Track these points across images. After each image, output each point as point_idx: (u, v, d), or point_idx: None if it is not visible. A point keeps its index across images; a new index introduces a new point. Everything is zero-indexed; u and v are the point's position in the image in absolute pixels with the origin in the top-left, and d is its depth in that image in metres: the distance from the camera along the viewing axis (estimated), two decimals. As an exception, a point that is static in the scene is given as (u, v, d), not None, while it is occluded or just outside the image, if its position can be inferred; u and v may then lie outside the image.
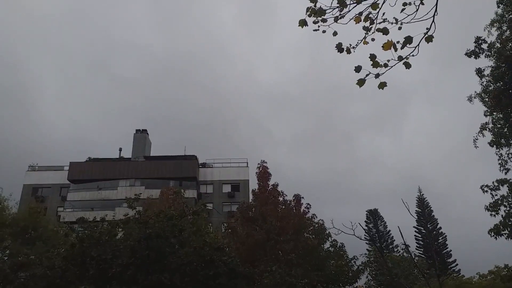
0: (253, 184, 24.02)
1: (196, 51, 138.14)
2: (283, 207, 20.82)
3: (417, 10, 4.55)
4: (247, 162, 50.11)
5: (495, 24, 14.04)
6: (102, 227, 13.59)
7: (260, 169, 22.15)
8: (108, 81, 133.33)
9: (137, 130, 55.20)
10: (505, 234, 15.33)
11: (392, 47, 4.77)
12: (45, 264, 12.90)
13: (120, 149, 54.50)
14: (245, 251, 18.21)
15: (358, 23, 5.15)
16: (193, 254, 13.17)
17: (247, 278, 14.54)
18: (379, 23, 5.07)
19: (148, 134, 55.71)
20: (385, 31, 4.90)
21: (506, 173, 15.65)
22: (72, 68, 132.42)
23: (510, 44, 13.10)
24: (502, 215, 15.58)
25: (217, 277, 12.77)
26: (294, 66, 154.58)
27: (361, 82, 5.02)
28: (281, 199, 21.10)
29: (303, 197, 21.18)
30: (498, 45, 13.44)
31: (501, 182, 15.92)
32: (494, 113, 14.75)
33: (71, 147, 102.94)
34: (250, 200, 23.19)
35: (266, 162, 22.45)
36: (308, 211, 20.75)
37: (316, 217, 20.60)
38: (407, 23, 4.73)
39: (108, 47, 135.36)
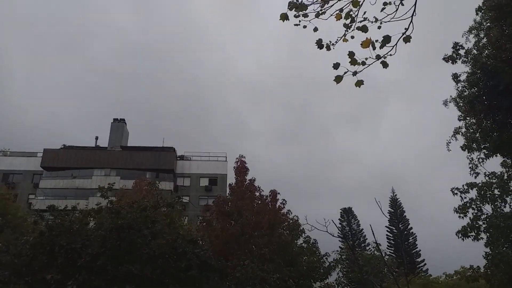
0: (231, 178, 23.98)
1: (174, 36, 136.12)
2: (259, 202, 20.89)
3: (396, 10, 4.59)
4: (226, 157, 50.06)
5: (473, 31, 14.40)
6: (73, 216, 13.29)
7: (238, 164, 22.15)
8: (80, 64, 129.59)
9: (114, 119, 54.20)
10: (471, 236, 15.85)
11: (370, 45, 4.81)
12: (12, 252, 12.52)
13: (97, 138, 53.49)
14: (219, 244, 18.21)
15: (339, 20, 5.17)
16: (166, 246, 13.04)
17: (219, 271, 14.53)
18: (359, 21, 5.11)
19: (126, 123, 54.76)
20: (364, 29, 4.94)
21: (475, 177, 16.15)
22: (43, 48, 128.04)
23: (486, 52, 13.46)
24: (470, 218, 16.10)
25: (189, 269, 12.70)
26: (273, 57, 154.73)
27: (338, 79, 5.05)
28: (257, 194, 21.17)
29: (279, 193, 21.33)
30: (475, 51, 13.80)
31: (471, 185, 16.42)
32: (468, 118, 15.17)
33: (44, 133, 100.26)
34: (227, 194, 23.17)
35: (244, 157, 22.48)
36: (284, 207, 20.90)
37: (291, 213, 20.78)
38: (386, 22, 4.78)
39: (80, 28, 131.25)
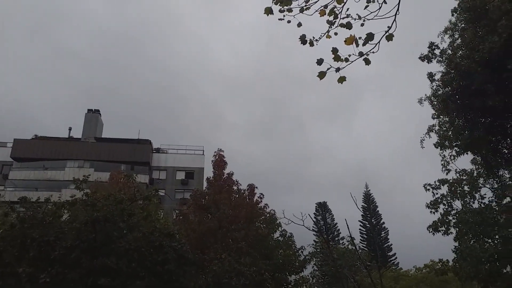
0: (208, 172, 23.89)
1: (148, 24, 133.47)
2: (237, 196, 20.92)
3: (380, 8, 4.67)
4: (203, 150, 49.75)
5: (448, 32, 14.81)
6: (46, 208, 12.95)
7: (216, 158, 22.08)
8: (51, 51, 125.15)
9: (89, 110, 52.92)
10: (442, 230, 16.41)
11: (354, 43, 4.88)
12: (-20, 245, 12.11)
13: (70, 129, 52.08)
14: (196, 238, 18.16)
15: (323, 16, 5.22)
16: (142, 239, 12.91)
17: (196, 264, 14.52)
18: (343, 18, 5.16)
19: (100, 114, 53.55)
20: (348, 26, 5.00)
21: (447, 174, 16.71)
22: (10, 32, 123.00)
23: (461, 52, 13.87)
24: (440, 213, 16.66)
25: (166, 263, 12.63)
26: (249, 49, 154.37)
27: (321, 75, 5.10)
28: (235, 188, 21.19)
29: (257, 187, 21.42)
30: (450, 51, 14.21)
31: (442, 181, 16.99)
32: (441, 117, 15.65)
33: (13, 122, 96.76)
34: (204, 188, 23.08)
35: (223, 151, 22.42)
36: (261, 201, 21.02)
37: (268, 207, 20.92)
38: (370, 20, 4.85)
39: (50, 13, 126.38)
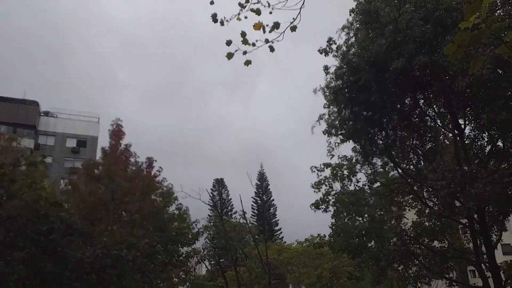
0: (104, 142, 22.76)
1: None
2: (134, 168, 20.42)
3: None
4: (99, 118, 46.62)
5: (345, 30, 16.22)
6: None
7: (114, 127, 21.07)
8: None
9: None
10: (322, 208, 18.36)
11: (261, 29, 5.27)
12: None
13: None
14: (86, 209, 17.40)
15: (236, -3, 5.50)
16: (25, 208, 12.05)
17: (85, 235, 14.06)
18: (254, 3, 5.51)
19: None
20: (258, 12, 5.35)
21: (331, 158, 18.61)
22: None
23: (353, 50, 15.36)
24: (322, 193, 18.58)
25: (51, 233, 12.02)
26: (149, 7, 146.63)
27: (229, 56, 5.41)
28: (132, 160, 20.63)
29: (155, 160, 21.15)
30: (344, 48, 15.64)
31: (326, 165, 18.92)
32: (331, 107, 17.24)
33: None
34: (98, 158, 22.00)
35: (121, 120, 21.46)
36: (159, 174, 20.86)
37: (166, 180, 20.88)
38: (278, 9, 5.27)
39: None
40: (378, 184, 18.75)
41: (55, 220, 12.39)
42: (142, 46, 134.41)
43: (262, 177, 64.69)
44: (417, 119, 16.60)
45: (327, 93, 16.57)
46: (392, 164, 18.09)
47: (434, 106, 17.11)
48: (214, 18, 5.68)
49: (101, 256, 13.84)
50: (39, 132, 43.07)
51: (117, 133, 20.77)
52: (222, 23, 5.70)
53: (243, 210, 15.00)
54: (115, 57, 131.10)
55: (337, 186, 18.67)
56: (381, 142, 16.93)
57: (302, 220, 71.83)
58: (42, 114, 44.51)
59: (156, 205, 18.99)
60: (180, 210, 20.23)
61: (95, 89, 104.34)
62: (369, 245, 17.34)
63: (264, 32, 5.42)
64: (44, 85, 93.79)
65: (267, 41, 5.44)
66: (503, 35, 3.96)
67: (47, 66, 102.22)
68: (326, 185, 18.58)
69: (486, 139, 15.88)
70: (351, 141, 17.12)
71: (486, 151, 15.76)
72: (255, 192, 62.71)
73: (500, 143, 14.84)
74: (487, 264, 15.43)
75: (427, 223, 17.77)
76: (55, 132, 43.75)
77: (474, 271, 28.13)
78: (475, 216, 15.04)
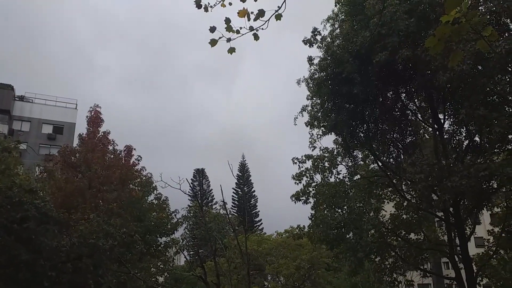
0: (81, 129, 22.20)
1: None
2: (112, 156, 20.02)
3: (273, -12, 4.98)
4: (77, 104, 45.44)
5: (330, 21, 16.15)
6: None
7: (92, 113, 20.57)
8: None
9: None
10: (302, 199, 18.41)
11: (246, 16, 5.13)
12: None
13: None
14: (62, 197, 17.01)
15: (221, -17, 5.32)
16: (-3, 195, 11.65)
17: (60, 224, 13.75)
18: (239, -11, 5.35)
19: None
20: (243, -1, 5.21)
21: (313, 150, 18.62)
22: None
23: (338, 41, 15.31)
24: (303, 184, 18.61)
25: (25, 221, 11.67)
26: None
27: (213, 42, 5.25)
28: (110, 148, 20.21)
29: (135, 149, 20.80)
30: (329, 39, 15.56)
31: (308, 157, 18.92)
32: (314, 98, 17.20)
33: None
34: (75, 145, 21.46)
35: (100, 107, 20.99)
36: (138, 163, 20.53)
37: (146, 169, 20.57)
38: (263, -3, 5.13)
39: None
40: (358, 176, 18.93)
41: (30, 208, 12.04)
42: (120, 26, 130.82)
43: (243, 168, 64.72)
44: (398, 113, 16.76)
45: (311, 85, 16.50)
46: (372, 157, 18.26)
47: (416, 100, 17.31)
48: (198, 3, 5.50)
49: (77, 245, 13.59)
50: (13, 117, 41.66)
51: (95, 119, 20.30)
52: (206, 9, 5.52)
53: (223, 201, 14.92)
54: (91, 35, 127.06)
55: (318, 178, 18.73)
56: (362, 135, 17.05)
57: (283, 211, 72.47)
58: (17, 98, 43.04)
59: (135, 194, 18.68)
60: (159, 199, 19.98)
61: (71, 71, 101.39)
62: (348, 236, 17.52)
63: (249, 19, 5.28)
64: (16, 67, 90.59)
65: (251, 28, 5.30)
66: (482, 30, 3.95)
67: (19, 47, 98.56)
68: (307, 177, 18.61)
69: (464, 134, 16.20)
70: (333, 133, 17.17)
71: (464, 146, 16.08)
72: (236, 183, 62.75)
73: (477, 138, 15.14)
74: (460, 256, 15.86)
75: (404, 216, 18.09)
76: (31, 117, 42.39)
77: (447, 262, 29.06)
78: (451, 209, 15.39)
